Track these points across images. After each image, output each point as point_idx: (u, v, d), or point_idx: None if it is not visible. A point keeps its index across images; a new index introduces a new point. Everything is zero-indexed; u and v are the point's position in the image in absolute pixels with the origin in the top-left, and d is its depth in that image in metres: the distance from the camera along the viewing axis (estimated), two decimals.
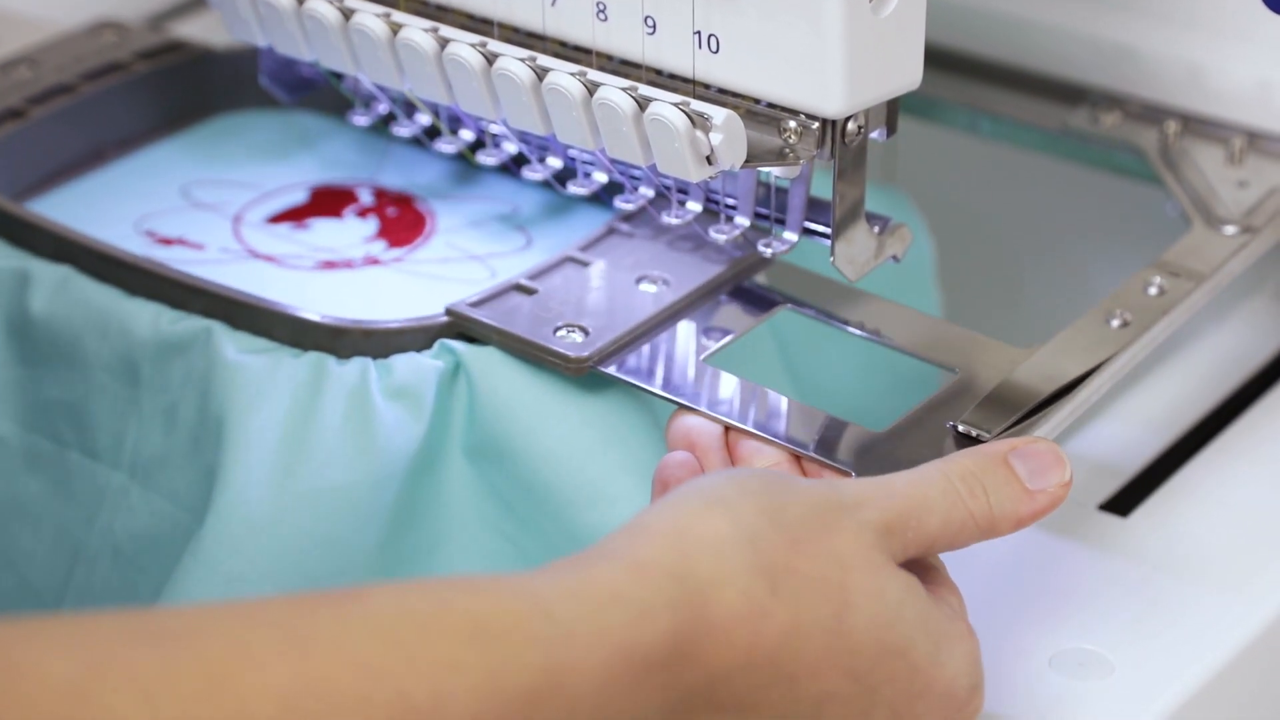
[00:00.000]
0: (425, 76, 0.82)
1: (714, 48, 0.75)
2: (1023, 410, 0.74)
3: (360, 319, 0.77)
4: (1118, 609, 0.75)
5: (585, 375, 0.76)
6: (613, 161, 0.81)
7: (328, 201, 0.89)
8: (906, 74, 0.75)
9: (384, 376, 0.75)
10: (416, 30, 0.81)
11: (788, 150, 0.76)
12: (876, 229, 0.79)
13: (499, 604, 0.57)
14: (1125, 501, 0.82)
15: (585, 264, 0.81)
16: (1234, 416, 0.87)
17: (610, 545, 0.61)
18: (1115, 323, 0.80)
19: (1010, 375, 0.76)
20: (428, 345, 0.77)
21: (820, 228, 0.80)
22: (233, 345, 0.77)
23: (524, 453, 0.76)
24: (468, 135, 0.88)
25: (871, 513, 0.65)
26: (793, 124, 0.75)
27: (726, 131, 0.75)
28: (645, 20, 0.77)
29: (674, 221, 0.82)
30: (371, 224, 0.87)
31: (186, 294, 0.78)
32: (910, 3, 0.73)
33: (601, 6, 0.77)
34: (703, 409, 0.73)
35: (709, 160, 0.76)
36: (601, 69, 0.78)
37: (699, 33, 0.75)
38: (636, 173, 0.83)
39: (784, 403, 0.75)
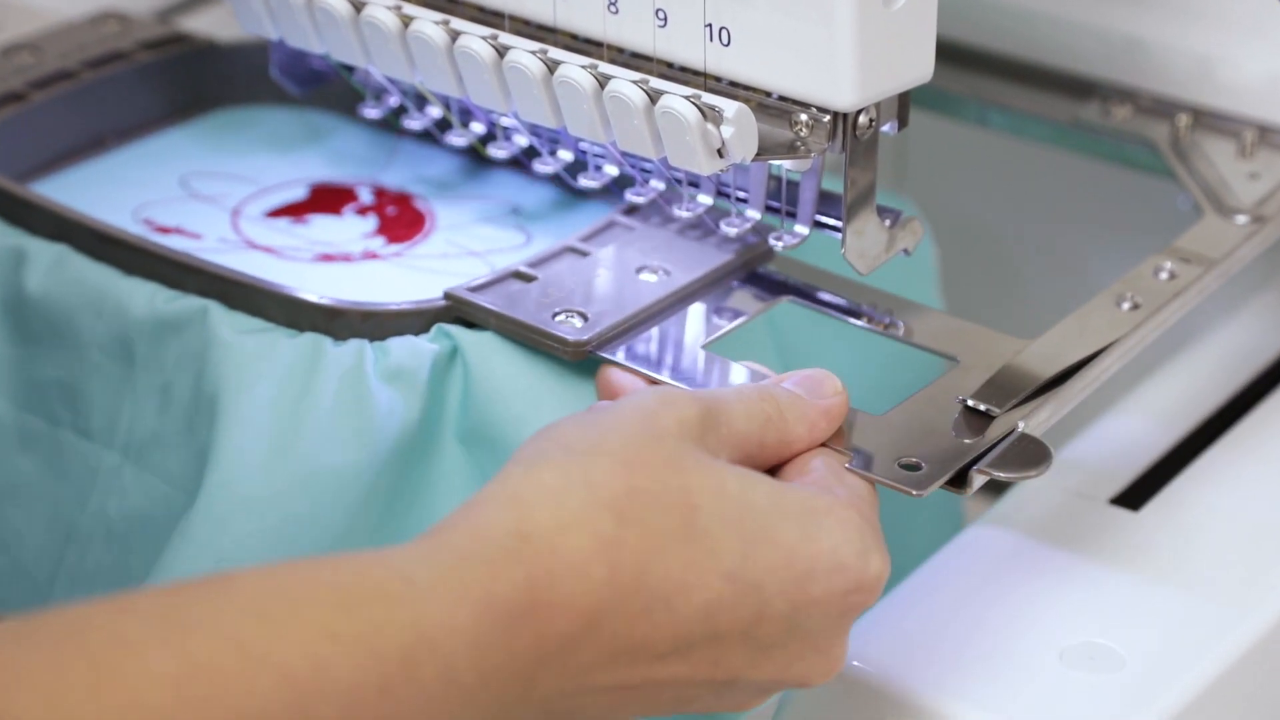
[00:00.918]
0: (436, 69, 0.82)
1: (725, 40, 0.75)
2: (1031, 388, 0.74)
3: (358, 301, 0.77)
4: (1128, 603, 0.75)
5: (583, 361, 0.76)
6: (624, 154, 0.81)
7: (327, 199, 0.88)
8: (918, 67, 0.75)
9: (380, 359, 0.75)
10: (427, 23, 0.81)
11: (799, 143, 0.76)
12: (888, 222, 0.79)
13: (361, 573, 0.59)
14: (1136, 496, 0.82)
15: (585, 254, 0.81)
16: (1245, 411, 0.87)
17: (453, 517, 0.62)
18: (1125, 305, 0.80)
19: (1020, 354, 0.76)
20: (425, 329, 0.77)
21: (831, 220, 0.80)
22: (228, 325, 0.76)
23: (518, 438, 0.75)
24: (478, 128, 0.88)
25: (684, 408, 0.66)
26: (804, 117, 0.75)
27: (738, 125, 0.75)
28: (656, 13, 0.77)
29: (684, 214, 0.82)
30: (371, 221, 0.87)
31: (183, 273, 0.78)
32: None
33: None
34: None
35: (720, 153, 0.76)
36: (613, 62, 0.78)
37: (710, 25, 0.75)
38: (647, 165, 0.83)
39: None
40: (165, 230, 0.85)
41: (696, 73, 0.77)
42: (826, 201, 0.80)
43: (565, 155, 0.86)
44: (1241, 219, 0.86)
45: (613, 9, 0.78)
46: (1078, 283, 1.08)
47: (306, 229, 0.86)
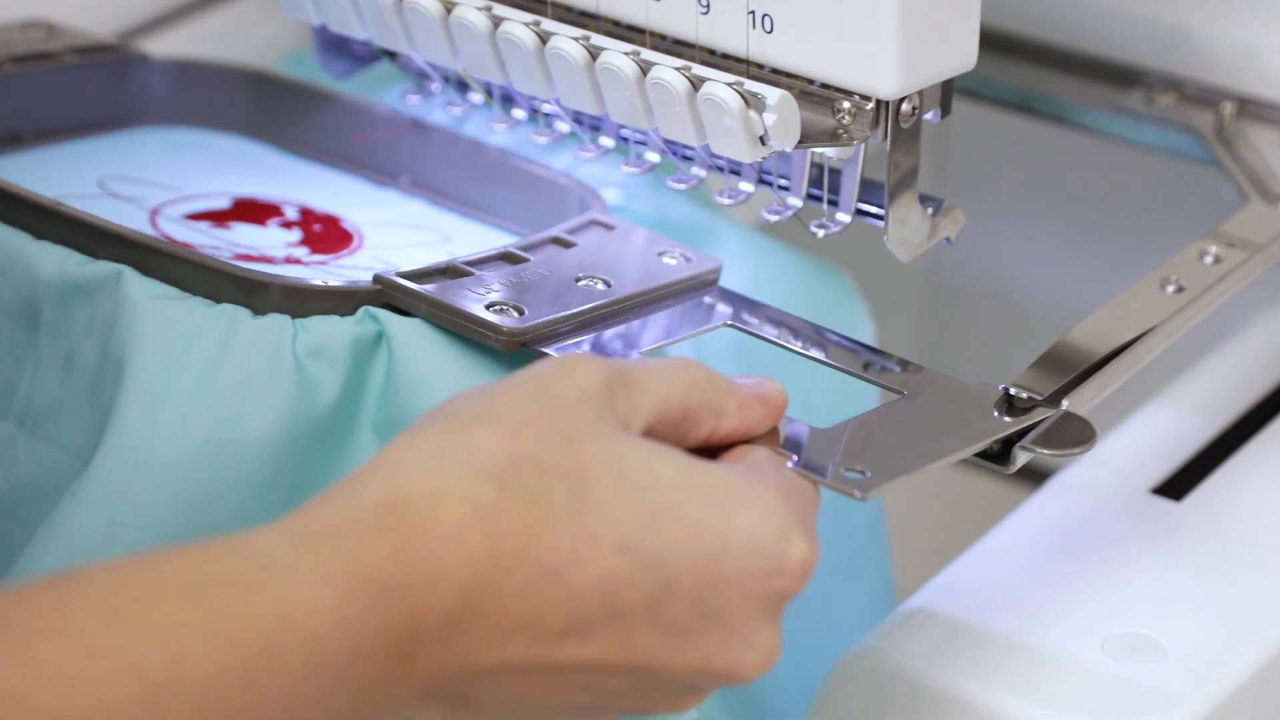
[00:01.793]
0: (479, 55, 0.82)
1: (768, 28, 0.75)
2: (1075, 371, 0.74)
3: (282, 274, 0.74)
4: (1170, 593, 0.75)
5: (512, 355, 0.73)
6: (666, 141, 0.81)
7: (251, 211, 0.84)
8: (961, 55, 0.75)
9: (301, 335, 0.72)
10: (470, 9, 0.81)
11: (841, 131, 0.75)
12: (930, 210, 0.79)
13: (214, 561, 0.56)
14: (1178, 486, 0.82)
15: (523, 259, 0.77)
16: None
17: (323, 494, 0.59)
18: (1170, 289, 0.79)
19: (1064, 337, 0.76)
20: (351, 311, 0.73)
21: (873, 208, 0.80)
22: (142, 289, 0.72)
23: None
24: (520, 114, 0.88)
25: (586, 374, 0.62)
26: (847, 105, 0.75)
27: (780, 112, 0.75)
28: (699, 0, 0.77)
29: (726, 202, 0.82)
30: (295, 234, 0.83)
31: (97, 239, 0.74)
32: None
33: None
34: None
35: (762, 141, 0.75)
36: (655, 49, 0.78)
37: (753, 12, 0.75)
38: (689, 153, 0.83)
39: None
40: None
41: (739, 60, 0.77)
42: (868, 189, 0.80)
43: (607, 142, 0.85)
44: None
45: None
46: (1120, 272, 1.07)
47: (228, 233, 0.82)
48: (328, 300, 0.73)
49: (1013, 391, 0.73)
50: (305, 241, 0.82)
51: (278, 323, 0.72)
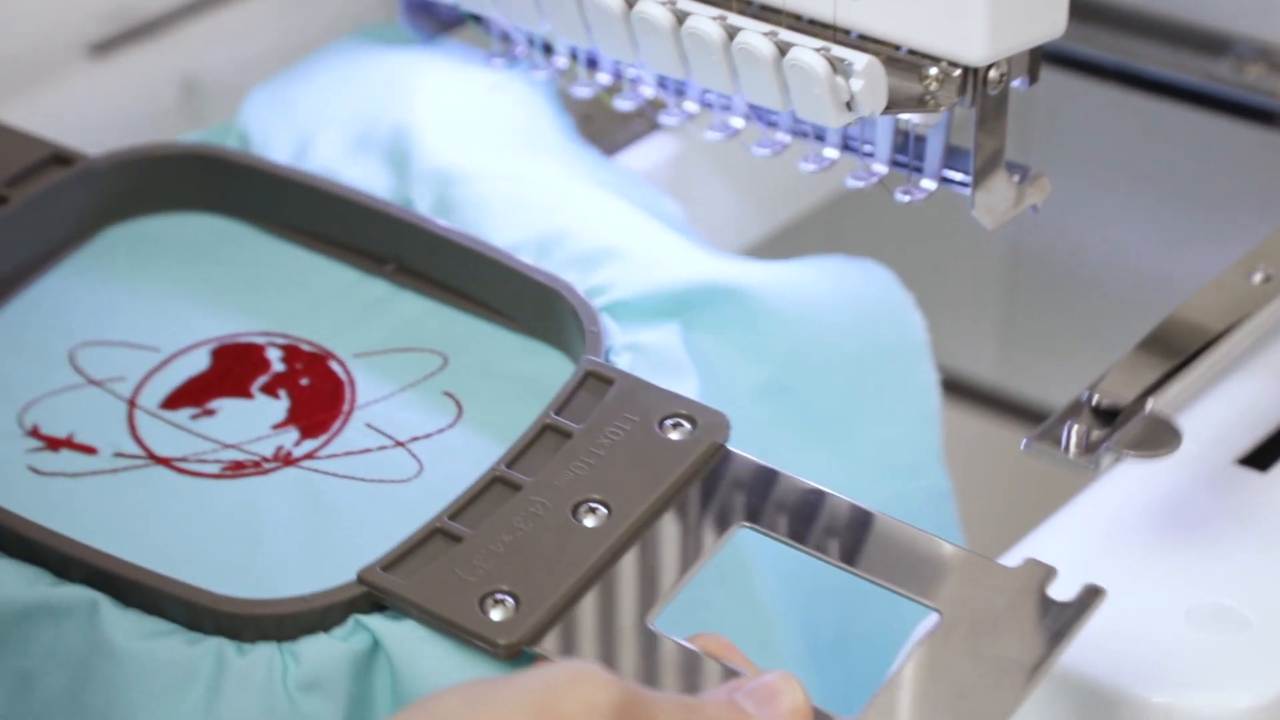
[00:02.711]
0: (564, 18, 0.82)
1: None
2: (1162, 371, 0.74)
3: (261, 598, 0.66)
4: (1255, 564, 0.75)
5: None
6: (750, 106, 0.81)
7: (234, 368, 0.77)
8: (1050, 22, 0.74)
9: (292, 668, 0.65)
10: None
11: (928, 97, 0.75)
12: (1016, 178, 0.78)
13: None
14: (1264, 456, 0.81)
15: (517, 487, 0.69)
16: None
17: None
18: (1257, 277, 0.79)
19: (1149, 334, 0.75)
20: (340, 621, 0.66)
21: (959, 175, 0.79)
22: (121, 628, 0.66)
23: None
24: (604, 78, 0.88)
25: (598, 694, 0.57)
26: (934, 71, 0.75)
27: (867, 78, 0.74)
28: None
29: (811, 168, 0.82)
30: (282, 404, 0.76)
31: (68, 562, 0.67)
32: None
33: None
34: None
35: (849, 106, 0.75)
36: (741, 14, 0.78)
37: None
38: (774, 118, 0.82)
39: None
40: (55, 444, 0.74)
41: (825, 25, 0.77)
42: (954, 156, 0.79)
43: (691, 107, 0.85)
44: None
45: None
46: (1207, 242, 1.07)
47: (213, 424, 0.75)
48: (313, 617, 0.66)
49: (1096, 399, 0.73)
50: (293, 417, 0.75)
51: (266, 656, 0.66)
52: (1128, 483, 0.79)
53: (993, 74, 0.74)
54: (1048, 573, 0.66)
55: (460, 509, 0.68)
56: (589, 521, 0.67)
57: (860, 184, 0.81)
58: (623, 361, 0.73)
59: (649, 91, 0.86)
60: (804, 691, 0.61)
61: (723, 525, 0.69)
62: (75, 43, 0.96)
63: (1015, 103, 0.77)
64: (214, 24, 1.02)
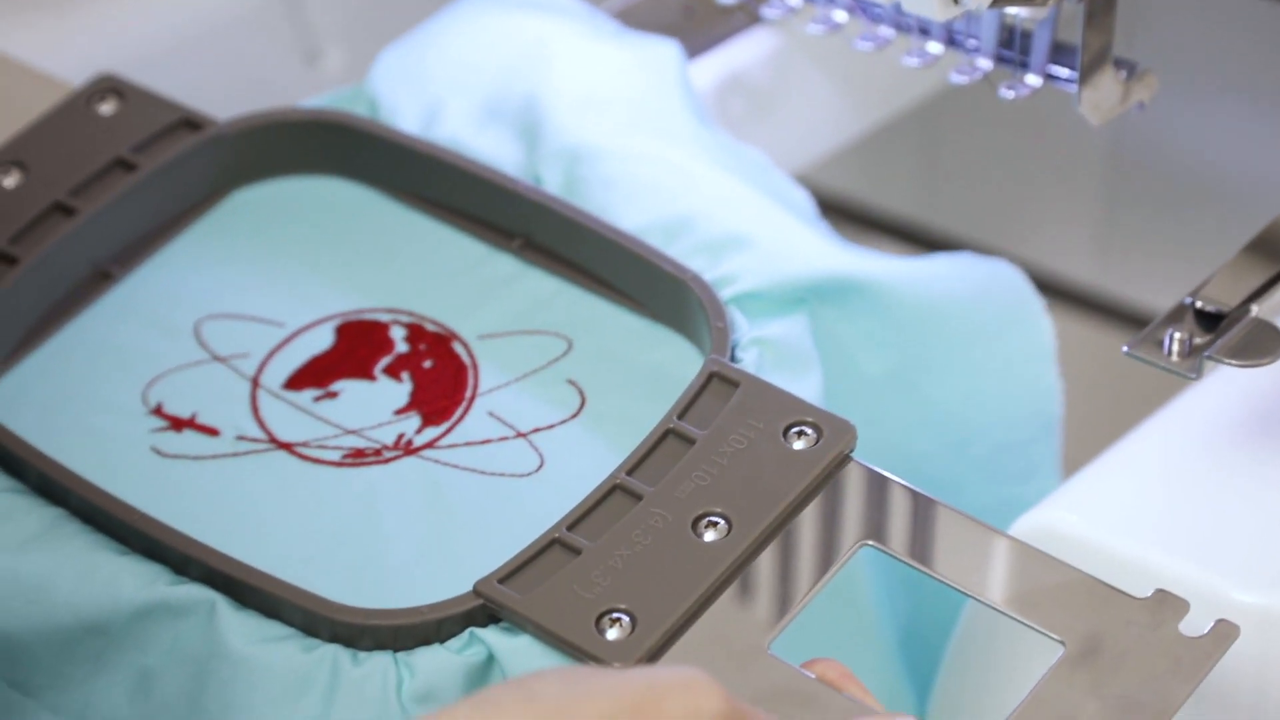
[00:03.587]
0: None
1: None
2: (1268, 276, 0.73)
3: (378, 608, 0.66)
4: None
5: None
6: (855, 1, 0.80)
7: (357, 347, 0.77)
8: None
9: (407, 679, 0.66)
10: None
11: None
12: (1124, 74, 0.77)
13: None
14: None
15: (638, 496, 0.68)
16: None
17: None
18: None
19: (1252, 239, 0.74)
20: (457, 632, 0.66)
21: (1064, 72, 0.78)
22: (239, 631, 0.66)
23: None
24: None
25: (704, 702, 0.55)
26: None
27: None
28: None
29: (914, 63, 0.81)
30: (405, 387, 0.75)
31: (189, 560, 0.68)
32: None
33: None
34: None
35: (955, 0, 0.74)
36: None
37: None
38: (878, 12, 0.82)
39: None
40: (179, 424, 0.74)
41: None
42: (1060, 52, 0.79)
43: (793, 0, 0.84)
44: None
45: None
46: None
47: (335, 407, 0.75)
48: (429, 628, 0.66)
49: (1199, 303, 0.72)
50: (415, 401, 0.75)
51: (381, 666, 0.66)
52: (1228, 387, 0.79)
53: None
54: (1179, 606, 0.64)
55: (579, 519, 0.68)
56: (709, 536, 0.67)
57: (964, 79, 0.80)
58: (749, 357, 0.72)
59: None
60: None
61: (845, 542, 0.68)
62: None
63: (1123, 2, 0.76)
64: None
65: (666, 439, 0.69)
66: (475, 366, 0.76)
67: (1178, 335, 0.73)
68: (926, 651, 0.80)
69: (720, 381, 0.70)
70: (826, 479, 0.68)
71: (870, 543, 0.67)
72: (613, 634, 0.65)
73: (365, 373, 0.75)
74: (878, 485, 0.68)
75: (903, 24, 0.81)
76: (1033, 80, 0.79)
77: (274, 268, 0.79)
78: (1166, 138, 1.05)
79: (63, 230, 0.77)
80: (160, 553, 0.68)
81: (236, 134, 0.80)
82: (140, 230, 0.79)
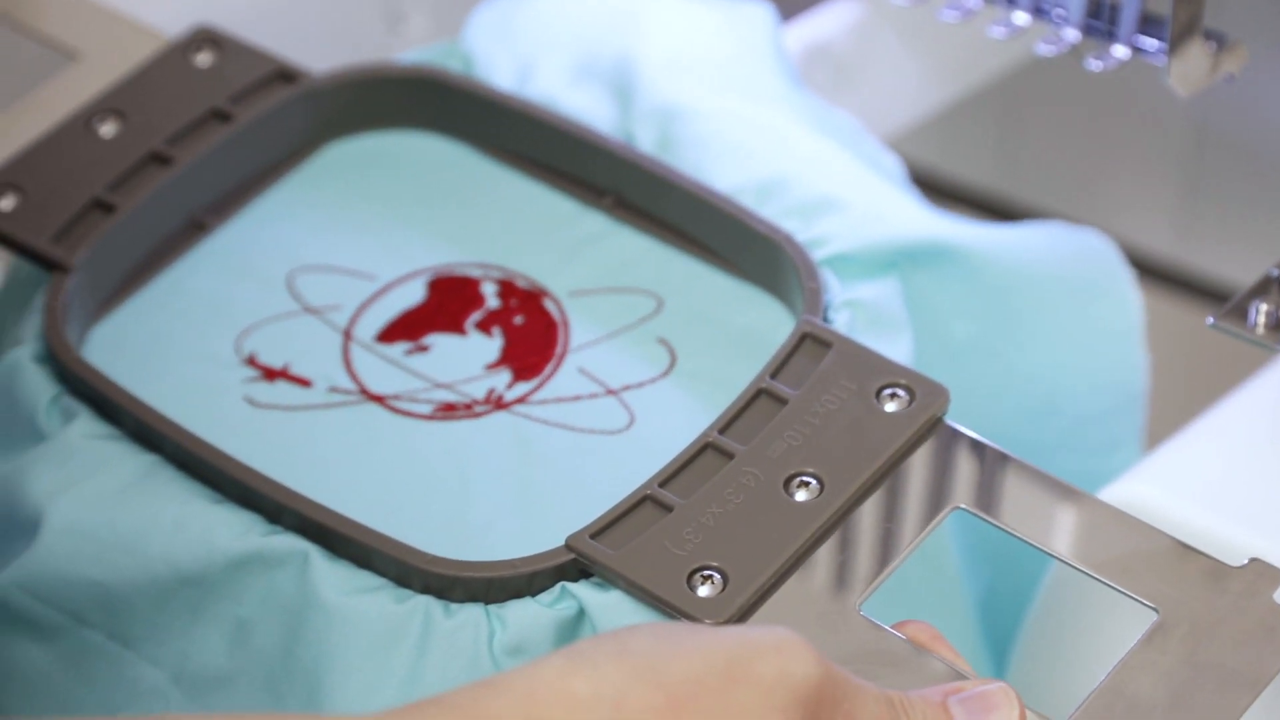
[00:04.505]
0: None
1: None
2: None
3: (470, 560, 0.67)
4: None
5: None
6: None
7: (448, 301, 0.77)
8: None
9: (498, 632, 0.66)
10: None
11: None
12: (1213, 46, 0.77)
13: None
14: None
15: (729, 455, 0.68)
16: None
17: (454, 697, 0.54)
18: None
19: None
20: (546, 587, 0.67)
21: (1153, 43, 0.78)
22: (332, 582, 0.67)
23: None
24: None
25: (796, 665, 0.54)
26: None
27: None
28: None
29: (1000, 34, 0.81)
30: (496, 342, 0.75)
31: (282, 509, 0.68)
32: None
33: None
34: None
35: None
36: None
37: None
38: None
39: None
40: (271, 374, 0.74)
41: None
42: (1149, 23, 0.78)
43: None
44: None
45: None
46: None
47: (426, 360, 0.75)
48: (521, 581, 0.66)
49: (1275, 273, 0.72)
50: (506, 357, 0.75)
51: (473, 618, 0.66)
52: None
53: None
54: (1274, 575, 0.63)
55: (671, 476, 0.68)
56: (800, 496, 0.67)
57: (1051, 50, 0.80)
58: (841, 319, 0.73)
59: None
60: (1022, 707, 0.60)
61: (937, 505, 0.68)
62: None
63: None
64: None
65: (759, 398, 0.69)
66: (566, 323, 0.76)
67: (1264, 307, 0.73)
68: (1004, 620, 0.80)
69: (813, 342, 0.70)
70: (919, 441, 0.68)
71: (962, 506, 0.67)
72: (704, 591, 0.65)
73: (456, 327, 0.76)
74: (970, 449, 0.68)
75: None
76: (1120, 51, 0.79)
77: (366, 221, 0.79)
78: (1254, 110, 1.05)
79: (159, 179, 0.77)
80: (254, 501, 0.68)
81: (332, 87, 0.81)
82: (235, 181, 0.80)
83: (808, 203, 0.76)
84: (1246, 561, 0.64)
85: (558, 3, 0.85)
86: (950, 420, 0.69)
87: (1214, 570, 0.64)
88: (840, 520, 0.66)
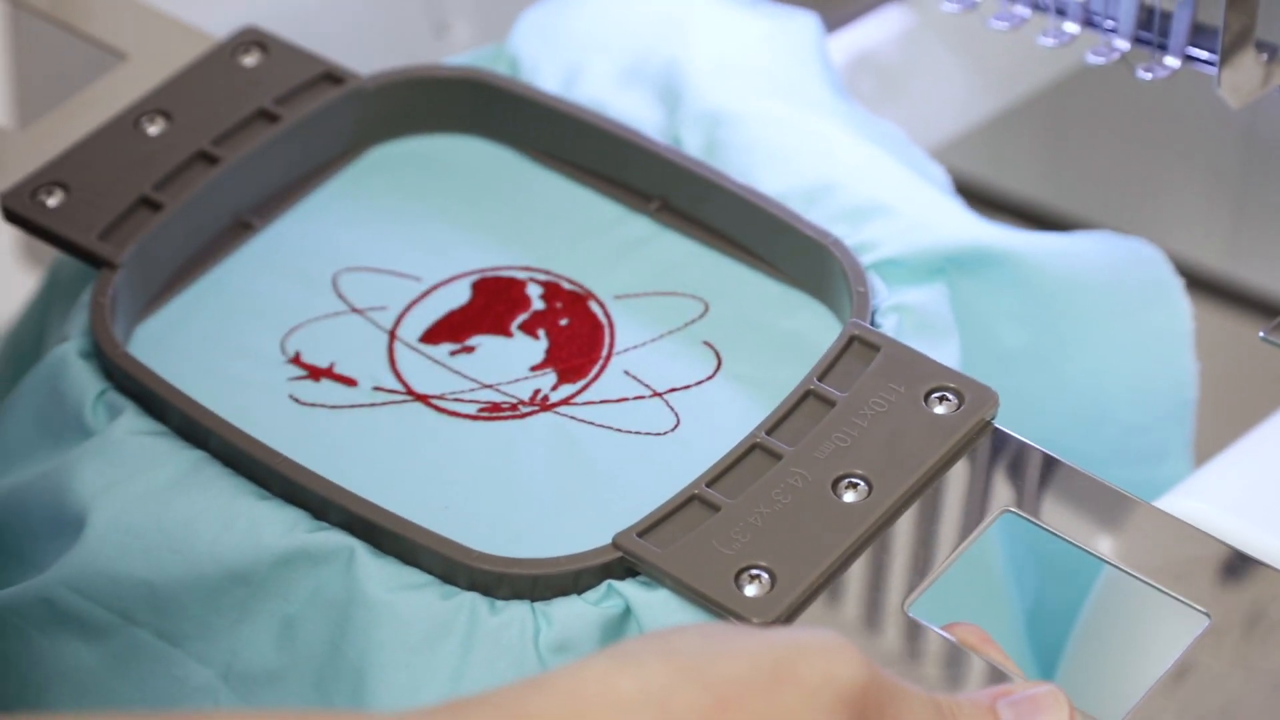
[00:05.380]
0: None
1: None
2: None
3: (516, 557, 0.67)
4: None
5: None
6: None
7: (494, 304, 0.77)
8: None
9: (544, 629, 0.66)
10: None
11: None
12: (1265, 56, 0.77)
13: None
14: None
15: (777, 456, 0.68)
16: None
17: (498, 695, 0.54)
18: None
19: None
20: (593, 585, 0.66)
21: (1204, 54, 0.78)
22: (378, 578, 0.67)
23: None
24: None
25: (842, 668, 0.54)
26: None
27: None
28: None
29: (1050, 43, 0.81)
30: (540, 345, 0.75)
31: (329, 505, 0.68)
32: None
33: None
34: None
35: None
36: None
37: None
38: None
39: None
40: (316, 374, 0.74)
41: None
42: (1200, 34, 0.78)
43: None
44: None
45: None
46: None
47: (471, 361, 0.75)
48: (567, 579, 0.66)
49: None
50: (551, 358, 0.75)
51: (519, 615, 0.66)
52: None
53: None
54: None
55: (718, 476, 0.67)
56: (849, 497, 0.66)
57: (1100, 60, 0.80)
58: (889, 323, 0.72)
59: None
60: (1072, 710, 0.60)
61: (985, 508, 0.68)
62: None
63: None
64: None
65: (806, 400, 0.69)
66: (611, 326, 0.76)
67: None
68: (1053, 626, 0.80)
69: (861, 345, 0.70)
70: (967, 444, 0.67)
71: (1011, 509, 0.67)
72: (751, 590, 0.64)
73: (502, 329, 0.76)
74: (1018, 452, 0.68)
75: (1039, 3, 0.81)
76: (1171, 61, 0.79)
77: (412, 223, 0.79)
78: None
79: (205, 178, 0.77)
80: (300, 498, 0.68)
81: (378, 89, 0.81)
82: (281, 181, 0.80)
83: (855, 208, 0.76)
84: None
85: (605, 6, 0.85)
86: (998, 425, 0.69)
87: (1265, 575, 0.64)
88: (889, 522, 0.66)
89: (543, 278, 0.77)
